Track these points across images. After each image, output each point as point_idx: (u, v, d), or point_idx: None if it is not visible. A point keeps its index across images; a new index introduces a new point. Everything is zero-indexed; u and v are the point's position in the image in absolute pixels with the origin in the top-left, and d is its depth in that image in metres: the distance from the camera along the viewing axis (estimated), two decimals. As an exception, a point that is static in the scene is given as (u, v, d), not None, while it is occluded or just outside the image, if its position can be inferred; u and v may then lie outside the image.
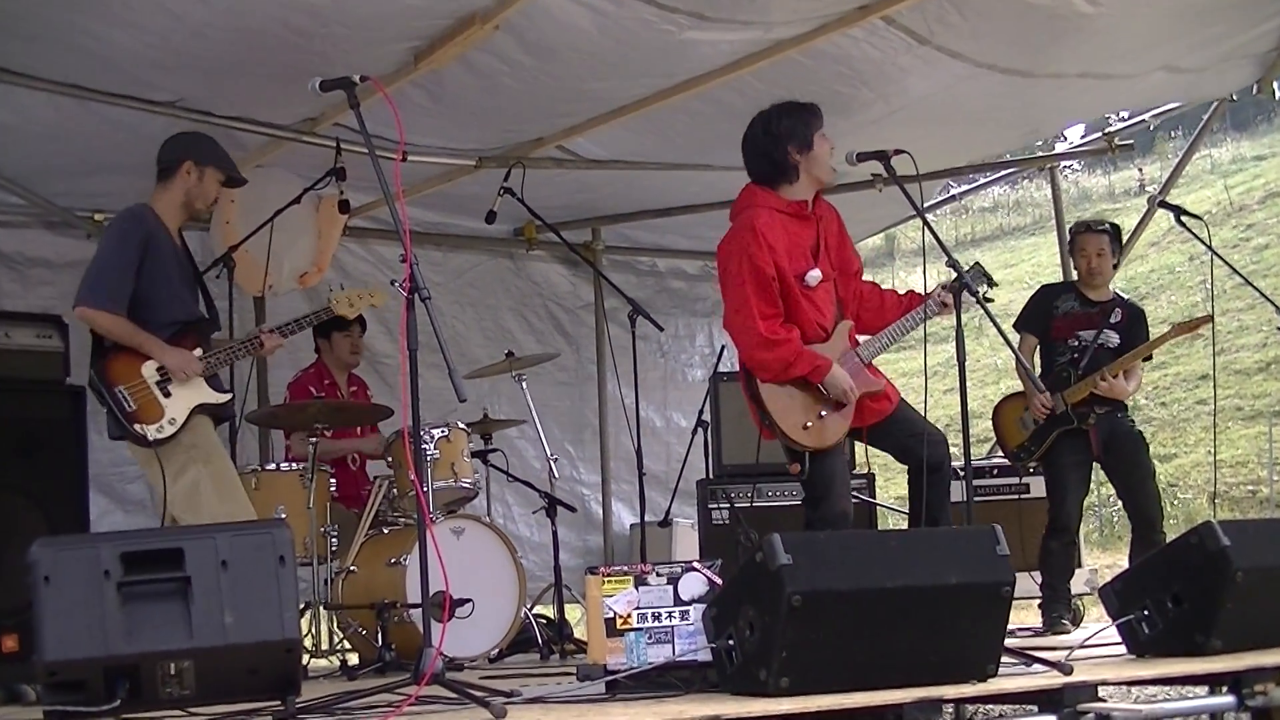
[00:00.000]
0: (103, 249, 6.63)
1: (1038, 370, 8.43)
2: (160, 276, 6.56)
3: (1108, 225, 8.53)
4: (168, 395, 6.47)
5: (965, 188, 13.25)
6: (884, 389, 6.75)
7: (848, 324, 6.78)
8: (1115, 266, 8.53)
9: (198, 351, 6.59)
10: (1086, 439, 8.27)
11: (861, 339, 6.81)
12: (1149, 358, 8.51)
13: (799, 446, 6.65)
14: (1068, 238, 8.87)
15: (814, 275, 6.62)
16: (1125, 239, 8.41)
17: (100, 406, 6.53)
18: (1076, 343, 8.34)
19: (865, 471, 9.23)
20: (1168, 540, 7.70)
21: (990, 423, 8.68)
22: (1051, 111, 9.70)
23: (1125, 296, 8.66)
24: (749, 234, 6.56)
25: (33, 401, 7.63)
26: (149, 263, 6.52)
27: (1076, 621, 8.77)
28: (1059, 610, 8.27)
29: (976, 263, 7.08)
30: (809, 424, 6.60)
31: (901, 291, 6.99)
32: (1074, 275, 8.82)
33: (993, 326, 6.52)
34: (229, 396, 6.80)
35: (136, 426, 6.40)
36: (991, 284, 6.99)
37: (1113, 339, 8.31)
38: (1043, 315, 8.48)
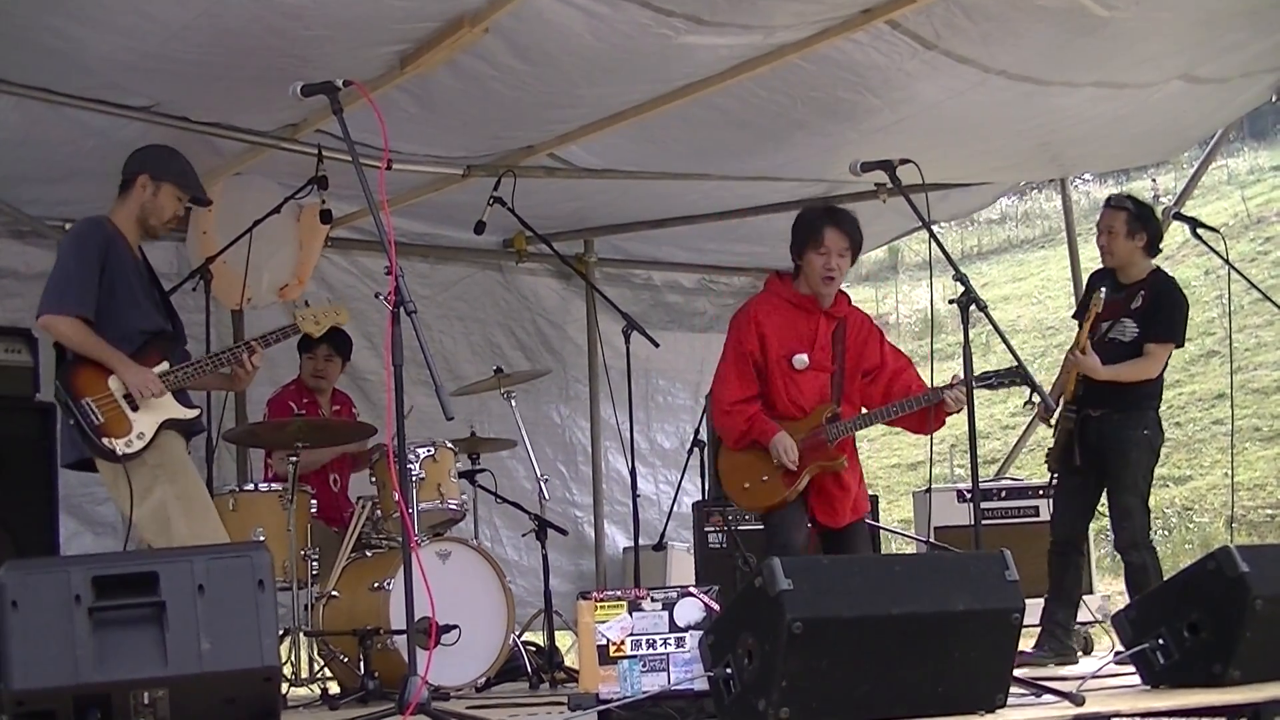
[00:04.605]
0: (62, 258, 6.51)
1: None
2: (121, 286, 6.43)
3: (1128, 202, 7.95)
4: (135, 409, 6.31)
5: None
6: (841, 468, 7.02)
7: (828, 407, 7.02)
8: (1148, 249, 7.88)
9: (163, 366, 6.45)
10: (1073, 446, 7.87)
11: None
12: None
13: (736, 504, 7.50)
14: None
15: (800, 359, 7.02)
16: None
17: (67, 419, 6.36)
18: (1096, 336, 7.82)
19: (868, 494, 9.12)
20: (1143, 563, 7.64)
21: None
22: (1070, 145, 9.58)
23: (1164, 274, 8.03)
24: (744, 315, 7.20)
25: None
26: (109, 272, 6.39)
27: (1088, 650, 8.55)
28: (1054, 642, 7.86)
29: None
30: (748, 485, 7.05)
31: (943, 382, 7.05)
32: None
33: (1001, 343, 6.47)
34: (197, 412, 6.65)
35: (105, 440, 6.23)
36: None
37: (1128, 330, 7.76)
38: (1086, 306, 7.89)
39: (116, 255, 6.42)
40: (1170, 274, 8.11)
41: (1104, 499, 7.86)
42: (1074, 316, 8.26)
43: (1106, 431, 7.76)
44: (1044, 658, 7.74)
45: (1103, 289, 7.70)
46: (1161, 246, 7.88)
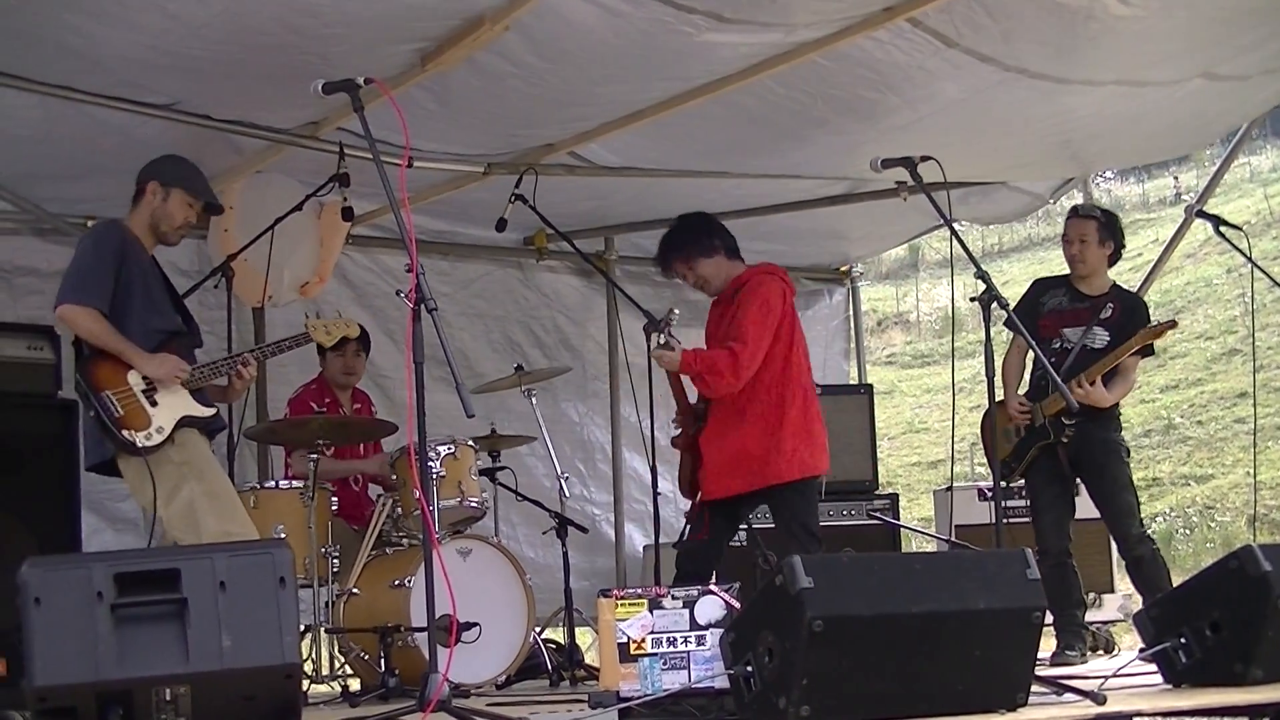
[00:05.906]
0: (79, 254, 6.58)
1: (1026, 376, 8.12)
2: (139, 285, 6.50)
3: (1097, 211, 8.15)
4: (154, 404, 6.36)
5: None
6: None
7: None
8: (1114, 259, 8.11)
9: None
10: (1059, 454, 7.90)
11: None
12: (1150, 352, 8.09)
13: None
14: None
15: None
16: (1162, 250, 8.16)
17: (87, 412, 6.41)
18: (1059, 343, 7.93)
19: (888, 492, 9.10)
20: (1152, 553, 7.67)
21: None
22: (1091, 142, 9.53)
23: (1125, 289, 8.28)
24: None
25: (22, 416, 7.68)
26: (126, 271, 6.46)
27: (1109, 649, 8.49)
28: (1068, 639, 7.80)
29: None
30: None
31: None
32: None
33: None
34: (214, 410, 6.68)
35: (125, 433, 6.26)
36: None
37: (1100, 338, 7.86)
38: (1029, 312, 8.03)
39: (133, 256, 6.50)
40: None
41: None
42: (1006, 324, 8.10)
43: (1091, 438, 7.83)
44: (1074, 657, 7.71)
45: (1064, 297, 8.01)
46: (1123, 250, 7.99)
